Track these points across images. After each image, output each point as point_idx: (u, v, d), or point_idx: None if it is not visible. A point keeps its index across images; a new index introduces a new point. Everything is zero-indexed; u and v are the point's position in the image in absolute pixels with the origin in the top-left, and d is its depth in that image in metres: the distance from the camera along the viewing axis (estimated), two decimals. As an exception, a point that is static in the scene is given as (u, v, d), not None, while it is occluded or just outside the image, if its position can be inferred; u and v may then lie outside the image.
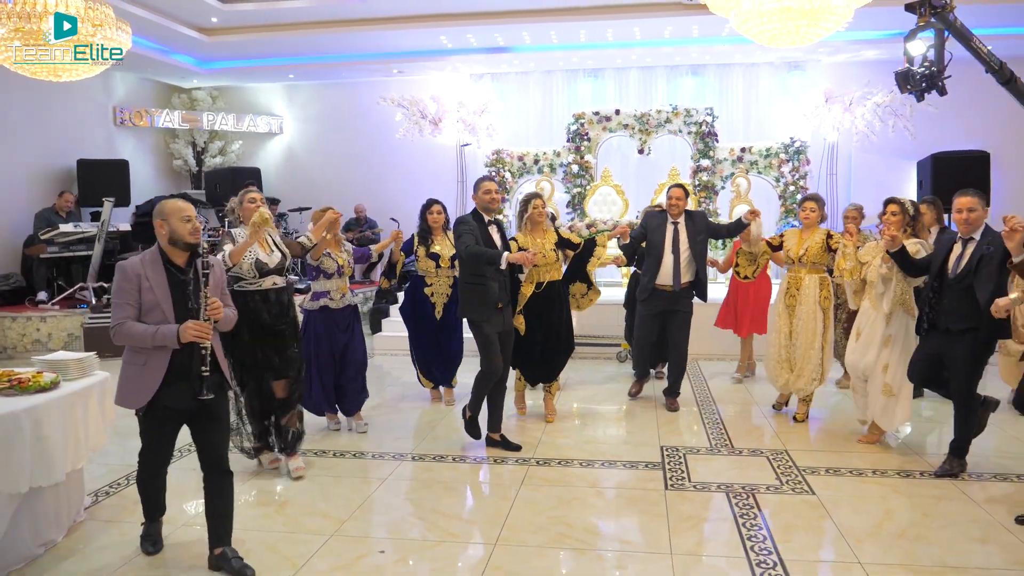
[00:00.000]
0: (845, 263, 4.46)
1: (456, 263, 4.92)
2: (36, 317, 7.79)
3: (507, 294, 4.50)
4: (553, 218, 5.49)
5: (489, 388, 4.46)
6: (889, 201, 4.32)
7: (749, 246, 5.61)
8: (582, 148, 9.33)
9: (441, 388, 5.67)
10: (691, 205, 8.59)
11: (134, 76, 10.87)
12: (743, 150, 9.12)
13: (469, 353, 5.09)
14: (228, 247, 3.81)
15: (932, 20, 4.35)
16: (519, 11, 8.63)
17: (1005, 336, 4.05)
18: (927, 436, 4.90)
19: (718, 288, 6.57)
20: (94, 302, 7.96)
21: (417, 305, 5.40)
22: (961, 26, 4.36)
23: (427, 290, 5.33)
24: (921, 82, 4.52)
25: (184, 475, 3.88)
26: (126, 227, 9.37)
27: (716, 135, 9.14)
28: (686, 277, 5.28)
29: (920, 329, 4.15)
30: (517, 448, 4.49)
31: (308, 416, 4.43)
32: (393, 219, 10.20)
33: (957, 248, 3.95)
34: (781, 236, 5.31)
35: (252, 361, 3.89)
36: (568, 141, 9.43)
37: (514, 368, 5.04)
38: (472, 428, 4.50)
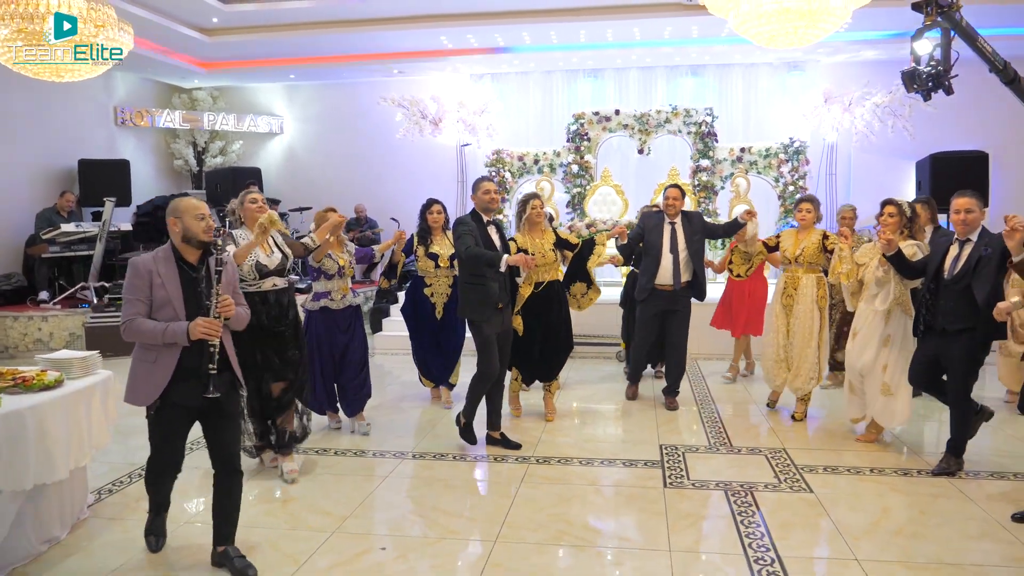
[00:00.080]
0: (841, 266, 4.48)
1: (455, 263, 4.94)
2: (38, 316, 7.81)
3: (507, 294, 4.52)
4: (551, 218, 5.51)
5: (485, 391, 4.48)
6: (886, 202, 4.34)
7: (746, 246, 5.64)
8: (582, 148, 9.35)
9: (441, 388, 5.68)
10: (690, 205, 8.69)
11: (135, 76, 10.90)
12: (742, 150, 9.14)
13: (468, 352, 5.11)
14: (231, 248, 3.81)
15: (938, 19, 4.35)
16: (519, 11, 8.66)
17: (1002, 337, 4.07)
18: (925, 435, 4.92)
19: (716, 288, 6.59)
20: (95, 301, 7.99)
21: (417, 305, 5.41)
22: (967, 25, 4.37)
23: (427, 290, 5.35)
24: (927, 81, 4.52)
25: (187, 473, 3.86)
26: (127, 227, 9.40)
27: (716, 135, 9.16)
28: (685, 276, 5.31)
29: (917, 331, 4.17)
30: (517, 446, 4.51)
31: (312, 416, 4.45)
32: (393, 219, 10.24)
33: (954, 249, 3.97)
34: (777, 237, 5.34)
35: (251, 362, 3.88)
36: (568, 141, 9.46)
37: (513, 368, 5.07)
38: (467, 434, 4.50)
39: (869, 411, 4.55)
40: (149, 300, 2.80)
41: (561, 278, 5.07)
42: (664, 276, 5.30)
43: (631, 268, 6.17)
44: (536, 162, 9.56)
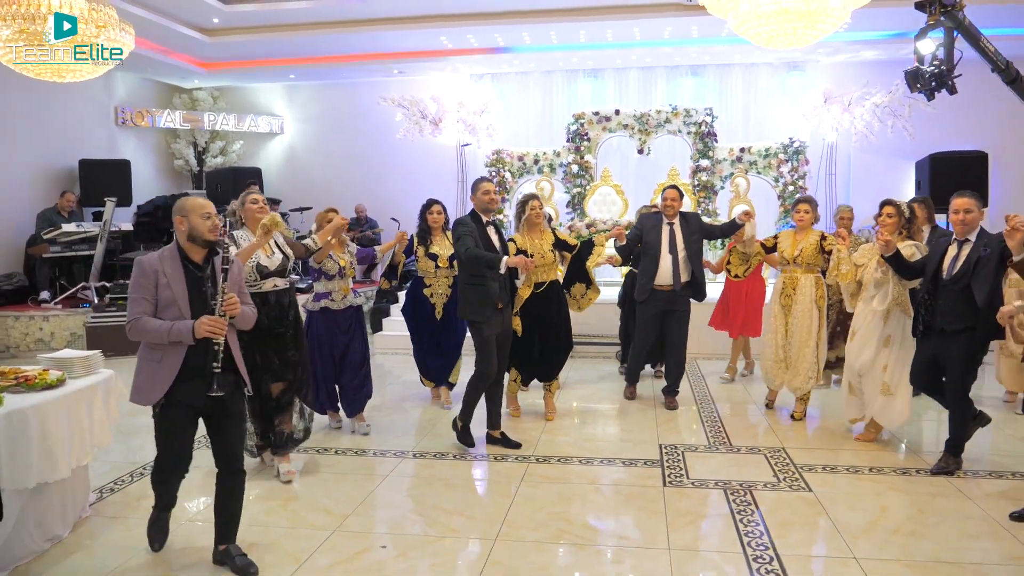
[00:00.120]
0: (840, 267, 4.50)
1: (455, 264, 4.95)
2: (39, 316, 7.83)
3: (507, 293, 4.53)
4: (549, 219, 5.53)
5: (482, 392, 4.49)
6: (885, 203, 4.36)
7: (744, 247, 5.66)
8: (582, 148, 9.37)
9: (440, 388, 5.69)
10: (690, 205, 8.71)
11: (135, 76, 10.91)
12: (742, 150, 9.16)
13: (468, 352, 5.12)
14: (233, 249, 3.80)
15: (942, 19, 4.35)
16: (519, 11, 8.67)
17: (1000, 337, 4.08)
18: (923, 434, 4.94)
19: (715, 288, 6.61)
20: (96, 301, 8.01)
21: (417, 305, 5.42)
22: (969, 25, 4.37)
23: (426, 291, 5.35)
24: (931, 81, 4.52)
25: (189, 472, 3.89)
26: (128, 227, 9.42)
27: (715, 135, 9.18)
28: (684, 277, 5.33)
29: (916, 331, 4.19)
30: (517, 445, 4.53)
31: (314, 416, 4.45)
32: (394, 219, 10.26)
33: (952, 249, 3.99)
34: (775, 238, 5.36)
35: (251, 363, 3.86)
36: (568, 141, 9.47)
37: (512, 368, 5.08)
38: (465, 437, 4.50)
39: (868, 411, 4.56)
40: (155, 299, 2.79)
41: (559, 278, 5.09)
42: (663, 276, 5.32)
43: (630, 268, 6.19)
44: (536, 162, 9.57)
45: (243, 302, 2.96)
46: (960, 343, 3.90)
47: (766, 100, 10.63)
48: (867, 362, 4.44)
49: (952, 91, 4.53)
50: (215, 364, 2.79)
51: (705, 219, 8.34)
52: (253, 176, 10.20)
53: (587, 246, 5.12)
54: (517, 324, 4.87)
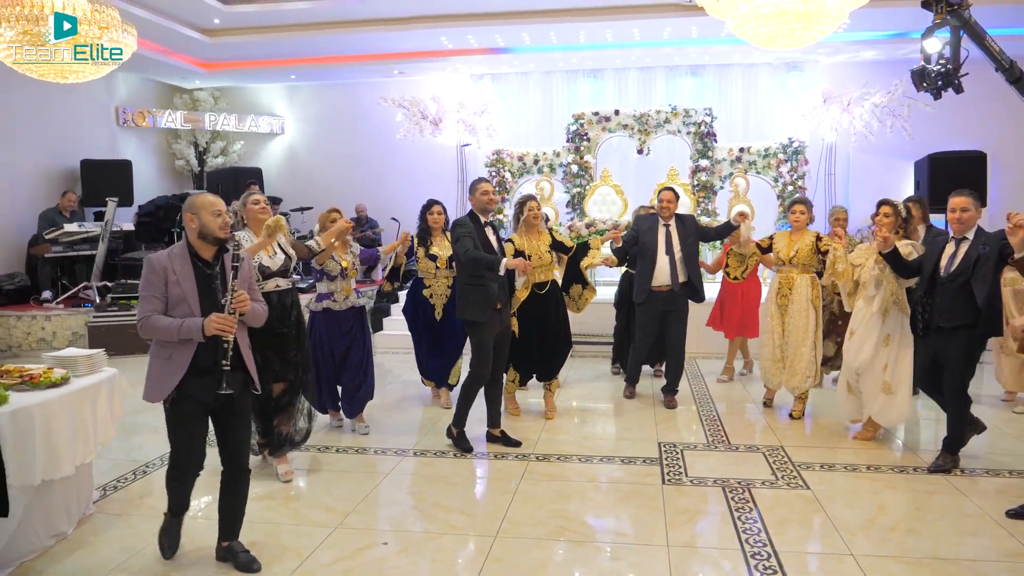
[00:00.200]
0: (836, 266, 4.53)
1: (454, 264, 4.97)
2: (41, 316, 7.86)
3: (505, 294, 4.56)
4: (546, 219, 5.56)
5: (474, 396, 4.51)
6: (882, 203, 4.39)
7: (739, 248, 5.69)
8: (582, 148, 9.39)
9: (441, 388, 5.71)
10: (690, 205, 8.74)
11: (136, 77, 10.94)
12: (742, 150, 9.18)
13: (468, 353, 5.15)
14: (244, 244, 3.82)
15: (948, 17, 4.37)
16: (519, 12, 8.70)
17: (997, 334, 4.11)
18: (921, 433, 4.96)
19: (712, 288, 6.64)
20: (98, 301, 8.04)
21: (417, 306, 5.44)
22: (975, 23, 4.38)
23: (425, 291, 5.36)
24: (937, 80, 4.52)
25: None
26: (129, 227, 9.45)
27: (715, 135, 9.20)
28: (682, 277, 5.37)
29: (916, 329, 4.22)
30: (517, 444, 4.56)
31: (316, 416, 4.48)
32: (394, 219, 10.29)
33: (950, 247, 4.02)
34: (771, 238, 5.39)
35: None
36: (568, 141, 9.50)
37: (511, 368, 5.10)
38: (461, 443, 4.50)
39: (866, 410, 4.58)
40: (165, 297, 2.79)
41: (557, 278, 5.12)
42: (661, 277, 5.35)
43: (626, 269, 6.23)
44: (536, 162, 9.60)
45: (254, 299, 2.95)
46: (959, 340, 3.93)
47: (765, 100, 10.65)
48: (866, 361, 4.47)
49: (958, 90, 4.52)
50: (224, 362, 2.78)
51: (704, 219, 8.42)
52: (254, 176, 10.23)
53: (583, 248, 5.15)
54: (514, 325, 4.90)
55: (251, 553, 3.00)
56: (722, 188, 9.17)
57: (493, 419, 4.66)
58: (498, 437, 4.61)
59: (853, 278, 4.53)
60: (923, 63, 4.58)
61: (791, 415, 5.15)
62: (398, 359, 7.33)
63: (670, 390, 5.54)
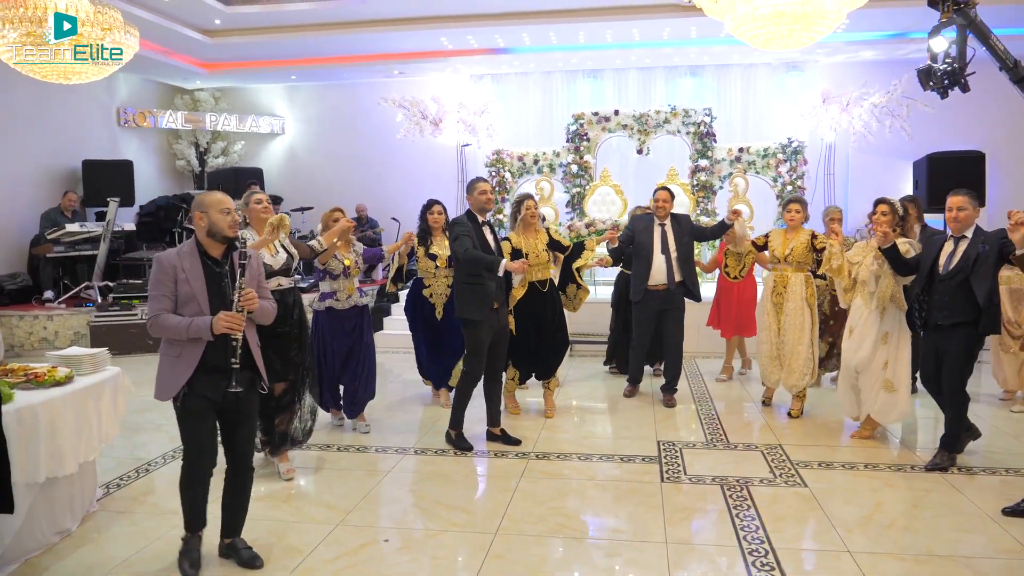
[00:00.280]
0: (833, 262, 4.56)
1: (454, 263, 4.99)
2: (43, 315, 7.89)
3: (503, 293, 4.59)
4: (543, 219, 5.60)
5: (469, 396, 4.54)
6: (879, 201, 4.42)
7: (735, 246, 5.72)
8: (581, 148, 9.42)
9: (440, 389, 5.72)
10: (689, 205, 8.77)
11: (137, 77, 10.97)
12: (741, 150, 9.21)
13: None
14: (250, 241, 3.82)
15: (954, 16, 4.38)
16: (519, 12, 8.73)
17: (996, 331, 4.13)
18: (919, 431, 4.99)
19: (711, 287, 6.68)
20: (99, 301, 8.07)
21: (417, 306, 5.47)
22: (980, 22, 4.40)
23: (425, 291, 5.38)
24: (943, 79, 4.53)
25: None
26: (131, 227, 9.48)
27: (714, 135, 9.22)
28: (678, 276, 5.40)
29: (914, 326, 4.25)
30: (517, 442, 4.58)
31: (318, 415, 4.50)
32: (394, 219, 10.32)
33: (949, 246, 4.05)
34: (766, 236, 5.43)
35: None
36: (567, 141, 9.52)
37: (510, 367, 5.13)
38: (460, 443, 4.52)
39: (864, 408, 4.62)
40: (174, 295, 2.78)
41: (553, 276, 5.15)
42: (657, 276, 5.39)
43: (621, 269, 6.26)
44: (536, 162, 9.62)
45: (262, 296, 2.94)
46: (958, 337, 3.96)
47: (765, 100, 10.68)
48: (864, 359, 4.50)
49: (965, 89, 4.52)
50: (233, 360, 2.77)
51: (704, 219, 8.45)
52: (254, 176, 10.25)
53: (578, 248, 5.18)
54: (511, 322, 4.92)
55: (253, 550, 3.02)
56: (721, 188, 9.19)
57: (493, 418, 4.69)
58: (498, 436, 4.64)
59: (851, 276, 4.56)
60: (929, 62, 4.58)
61: (789, 414, 5.18)
62: (398, 359, 7.36)
63: (669, 389, 5.57)
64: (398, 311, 7.80)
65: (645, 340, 5.62)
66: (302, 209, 10.43)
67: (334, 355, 4.68)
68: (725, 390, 6.06)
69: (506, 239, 4.97)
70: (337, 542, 3.24)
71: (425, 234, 5.37)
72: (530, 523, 3.43)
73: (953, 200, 4.00)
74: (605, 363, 6.75)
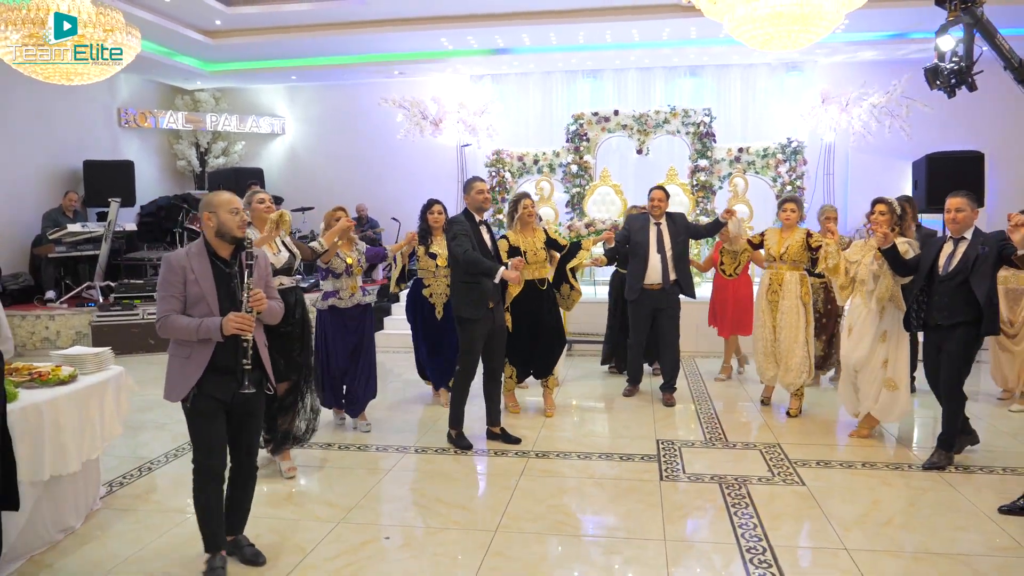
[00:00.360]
0: (829, 261, 4.58)
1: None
2: (45, 315, 7.91)
3: (498, 292, 4.62)
4: (539, 219, 5.63)
5: (466, 394, 4.57)
6: (877, 201, 4.44)
7: (730, 244, 5.75)
8: (581, 148, 9.44)
9: (440, 389, 5.74)
10: (689, 205, 8.79)
11: (138, 78, 10.99)
12: (740, 150, 9.23)
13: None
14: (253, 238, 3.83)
15: (961, 15, 4.39)
16: (519, 13, 8.75)
17: (996, 332, 4.15)
18: (917, 430, 5.01)
19: (706, 286, 6.71)
20: (101, 300, 8.09)
21: (417, 305, 5.49)
22: (987, 21, 4.41)
23: (425, 291, 5.40)
24: (950, 78, 4.54)
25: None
26: (132, 227, 9.50)
27: (714, 135, 9.24)
28: (673, 275, 5.44)
29: (909, 327, 4.27)
30: (517, 441, 4.61)
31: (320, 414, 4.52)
32: (394, 219, 10.35)
33: (948, 247, 4.08)
34: (762, 235, 5.46)
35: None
36: (567, 141, 9.54)
37: (508, 365, 5.15)
38: (460, 442, 4.55)
39: (863, 407, 4.64)
40: (183, 296, 2.77)
41: (549, 275, 5.17)
42: (653, 276, 5.43)
43: (615, 268, 6.29)
44: (536, 162, 9.64)
45: (269, 296, 2.94)
46: (957, 338, 3.98)
47: (764, 100, 10.70)
48: (863, 358, 4.52)
49: (972, 88, 4.52)
50: (244, 361, 2.75)
51: (703, 219, 8.46)
52: (255, 177, 10.26)
53: (575, 247, 5.21)
54: (507, 320, 4.95)
55: (256, 547, 3.05)
56: (721, 188, 9.21)
57: (493, 417, 4.71)
58: (498, 434, 4.66)
59: (849, 275, 4.58)
60: (936, 61, 4.59)
61: (788, 413, 5.20)
62: (399, 358, 7.38)
63: (668, 388, 5.60)
64: (398, 310, 7.82)
65: (642, 339, 5.66)
66: (303, 209, 10.46)
67: (338, 354, 4.70)
68: (724, 390, 6.09)
69: (504, 237, 5.00)
70: (338, 540, 3.26)
71: (425, 234, 5.40)
72: (530, 521, 3.45)
73: (952, 202, 4.02)
74: (603, 363, 6.78)
